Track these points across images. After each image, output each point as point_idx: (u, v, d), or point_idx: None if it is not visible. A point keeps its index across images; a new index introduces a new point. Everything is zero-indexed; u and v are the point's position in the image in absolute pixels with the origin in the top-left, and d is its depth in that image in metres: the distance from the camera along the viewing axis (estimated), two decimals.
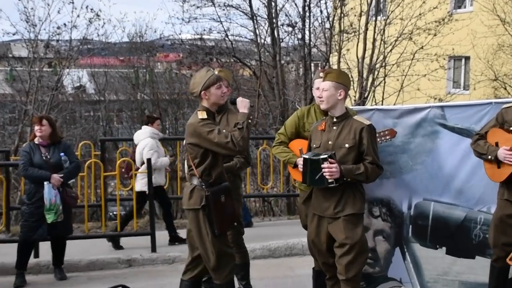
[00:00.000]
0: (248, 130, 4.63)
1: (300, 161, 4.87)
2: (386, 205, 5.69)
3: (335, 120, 4.87)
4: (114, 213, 14.02)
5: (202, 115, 4.68)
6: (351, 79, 14.56)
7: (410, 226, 5.60)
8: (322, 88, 4.80)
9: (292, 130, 5.45)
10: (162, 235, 8.51)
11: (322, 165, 4.61)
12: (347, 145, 4.75)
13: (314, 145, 4.91)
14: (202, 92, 4.71)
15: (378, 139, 5.38)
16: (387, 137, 5.43)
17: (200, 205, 4.69)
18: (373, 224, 5.74)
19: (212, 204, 4.66)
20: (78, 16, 14.74)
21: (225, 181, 4.81)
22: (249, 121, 4.67)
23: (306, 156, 4.74)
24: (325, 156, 4.62)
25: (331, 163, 4.60)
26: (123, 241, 8.37)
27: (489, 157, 4.78)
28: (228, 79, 5.56)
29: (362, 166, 4.68)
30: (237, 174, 5.60)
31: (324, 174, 4.62)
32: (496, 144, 4.79)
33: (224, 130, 4.68)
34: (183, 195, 4.88)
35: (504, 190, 4.84)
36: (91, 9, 15.03)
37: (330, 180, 4.63)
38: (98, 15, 15.10)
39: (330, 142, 4.81)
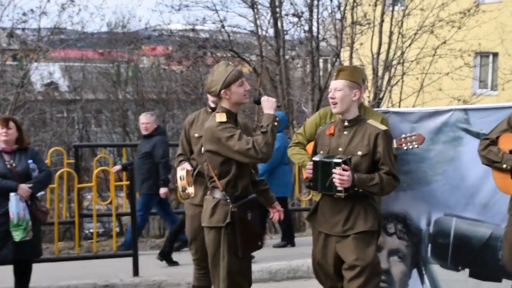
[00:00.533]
0: (274, 135, 4.63)
1: (309, 165, 4.86)
2: (402, 221, 5.74)
3: (346, 124, 4.90)
4: (91, 230, 14.00)
5: (221, 117, 4.69)
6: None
7: (429, 245, 5.65)
8: (335, 87, 4.83)
9: (312, 131, 5.53)
10: (146, 256, 8.49)
11: (333, 170, 4.65)
12: (360, 153, 4.78)
13: (321, 152, 4.93)
14: (222, 91, 4.71)
15: (403, 145, 5.46)
16: (414, 143, 5.46)
17: (224, 223, 4.69)
18: (387, 242, 5.79)
19: (238, 222, 4.66)
20: (49, 1, 14.51)
21: (251, 194, 4.84)
22: (275, 123, 4.64)
23: (317, 159, 4.76)
24: (339, 160, 4.65)
25: (344, 169, 4.63)
26: (101, 263, 8.29)
27: (504, 165, 4.83)
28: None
29: (377, 176, 4.71)
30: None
31: (334, 180, 4.66)
32: (511, 152, 4.83)
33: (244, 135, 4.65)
34: (202, 211, 4.88)
35: None
36: None
37: (339, 188, 4.66)
38: (72, 0, 14.87)
39: (340, 149, 4.84)
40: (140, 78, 22.01)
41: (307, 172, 4.81)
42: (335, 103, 4.84)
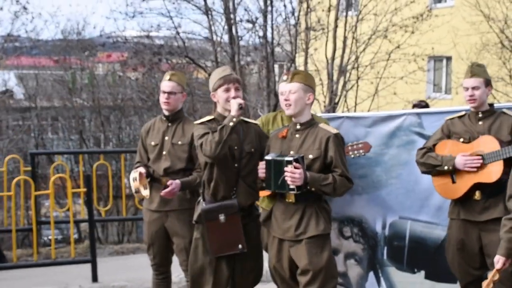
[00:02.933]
0: (223, 134, 4.71)
1: (260, 164, 4.87)
2: (358, 224, 5.78)
3: (298, 127, 4.90)
4: (49, 237, 13.87)
5: (203, 119, 4.93)
6: (320, 82, 14.87)
7: (385, 248, 5.70)
8: (289, 90, 4.82)
9: None
10: (105, 262, 8.44)
11: (285, 168, 4.65)
12: (311, 156, 4.78)
13: (273, 155, 4.90)
14: (212, 94, 4.96)
15: (350, 153, 5.47)
16: (361, 151, 5.50)
17: (194, 220, 4.98)
18: (344, 246, 5.82)
19: (205, 223, 4.88)
20: (1, 8, 14.32)
21: (231, 198, 4.91)
22: (231, 124, 4.73)
23: (269, 158, 4.75)
24: (291, 158, 4.66)
25: (295, 167, 4.63)
26: (60, 269, 8.24)
27: (446, 167, 4.93)
28: (182, 83, 5.62)
29: (330, 176, 4.72)
30: (196, 191, 5.59)
31: (286, 178, 4.66)
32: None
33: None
34: None
35: (459, 208, 5.00)
36: (17, 1, 14.63)
37: (291, 186, 4.66)
38: (25, 8, 14.69)
39: (291, 152, 4.83)
40: (95, 85, 21.83)
41: (260, 172, 4.81)
42: (289, 105, 4.84)
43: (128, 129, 21.54)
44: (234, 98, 4.87)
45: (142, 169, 5.50)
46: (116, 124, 21.32)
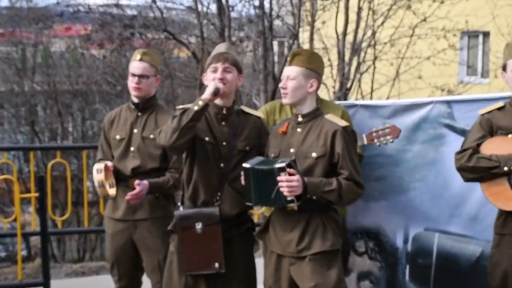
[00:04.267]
0: (182, 120, 4.71)
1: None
2: (374, 237, 5.81)
3: (300, 119, 4.89)
4: None
5: (189, 105, 4.88)
6: (328, 62, 14.86)
7: (407, 267, 5.71)
8: (287, 75, 4.83)
9: None
10: (62, 285, 8.40)
11: (278, 177, 4.62)
12: (314, 154, 4.76)
13: (272, 154, 4.91)
14: (203, 74, 5.03)
15: (375, 140, 5.50)
16: (388, 138, 5.52)
17: (169, 228, 5.02)
18: (357, 264, 5.85)
19: (179, 232, 4.92)
20: None
21: (213, 204, 4.93)
22: (195, 108, 4.72)
23: (247, 165, 4.70)
24: (282, 164, 4.60)
25: (290, 173, 4.60)
26: None
27: (506, 168, 4.84)
28: (155, 64, 5.62)
29: (334, 181, 4.68)
30: (169, 195, 5.63)
31: (281, 189, 4.62)
32: None
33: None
34: None
35: None
36: None
37: (289, 198, 4.62)
38: None
39: (292, 150, 4.82)
40: (51, 65, 21.77)
41: (241, 180, 4.79)
42: (286, 94, 4.84)
43: (93, 120, 21.49)
44: (218, 80, 4.88)
45: (109, 162, 5.51)
46: (78, 114, 21.27)
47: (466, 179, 4.98)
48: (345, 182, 4.69)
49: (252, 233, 5.10)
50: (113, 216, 5.63)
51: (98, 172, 5.40)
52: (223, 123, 4.94)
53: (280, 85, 4.87)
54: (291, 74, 4.83)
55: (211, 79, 4.92)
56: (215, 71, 4.93)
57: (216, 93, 4.80)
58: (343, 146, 4.73)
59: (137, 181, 5.36)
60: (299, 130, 4.88)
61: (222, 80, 4.89)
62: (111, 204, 5.63)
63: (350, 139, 4.80)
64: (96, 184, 5.45)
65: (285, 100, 4.89)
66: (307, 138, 4.83)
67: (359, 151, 5.49)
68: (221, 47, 5.04)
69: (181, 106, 4.96)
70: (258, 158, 4.81)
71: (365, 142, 5.54)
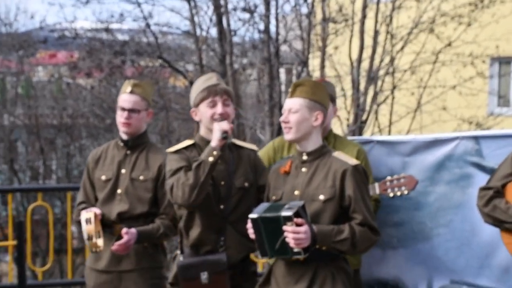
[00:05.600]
0: (199, 175, 4.80)
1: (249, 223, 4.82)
2: None
3: (305, 157, 4.87)
4: None
5: (181, 144, 5.03)
6: (342, 92, 14.87)
7: None
8: (289, 108, 4.84)
9: None
10: None
11: (284, 227, 4.59)
12: (321, 197, 4.74)
13: (274, 197, 4.91)
14: (192, 110, 5.13)
15: (389, 190, 5.48)
16: (403, 189, 5.50)
17: (170, 281, 5.07)
18: None
19: (181, 284, 4.97)
20: None
21: (217, 250, 4.97)
22: (210, 159, 4.82)
23: (254, 216, 4.67)
24: (289, 213, 4.56)
25: (298, 224, 4.56)
26: None
27: None
28: (147, 97, 5.64)
29: (347, 228, 4.66)
30: (158, 244, 5.61)
31: (287, 240, 4.59)
32: None
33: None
34: None
35: None
36: None
37: (296, 250, 4.59)
38: None
39: (296, 192, 4.81)
40: (34, 96, 21.86)
41: (250, 233, 4.76)
42: (289, 128, 4.83)
43: (79, 157, 21.53)
44: (219, 117, 4.95)
45: (97, 210, 5.48)
46: (62, 150, 21.30)
47: (485, 221, 5.01)
48: (359, 229, 4.67)
49: (255, 278, 5.13)
50: (96, 266, 5.60)
51: (88, 223, 5.36)
52: (218, 161, 4.93)
53: (281, 119, 4.86)
54: (293, 106, 4.83)
55: (211, 115, 4.99)
56: (213, 105, 5.00)
57: (225, 137, 4.87)
58: (355, 187, 4.71)
59: (124, 229, 5.34)
60: (304, 169, 4.86)
61: (223, 115, 4.98)
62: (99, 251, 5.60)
63: (362, 179, 4.79)
64: (85, 236, 5.42)
65: (288, 136, 4.87)
66: (313, 179, 4.81)
67: (376, 196, 5.46)
68: (211, 79, 5.12)
69: (173, 149, 5.09)
70: (263, 205, 4.78)
71: (378, 191, 5.51)
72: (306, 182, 4.82)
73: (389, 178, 5.50)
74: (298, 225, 4.56)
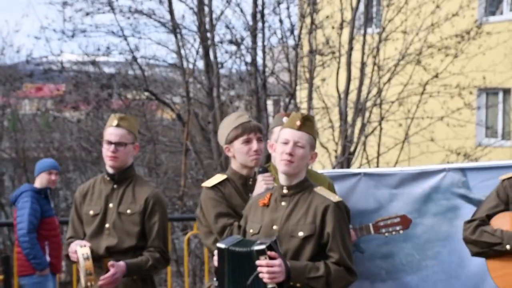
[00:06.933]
0: None
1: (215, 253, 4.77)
2: None
3: (285, 191, 4.80)
4: None
5: (214, 180, 5.10)
6: (329, 124, 14.89)
7: None
8: (296, 141, 4.73)
9: None
10: None
11: (258, 261, 4.52)
12: (301, 234, 4.66)
13: (251, 230, 4.83)
14: (225, 147, 5.23)
15: (383, 230, 5.49)
16: (397, 228, 5.51)
17: None
18: None
19: None
20: None
21: None
22: None
23: (222, 246, 4.61)
24: (262, 247, 4.50)
25: (271, 257, 4.50)
26: None
27: (508, 247, 4.84)
28: (133, 130, 5.63)
29: (322, 266, 4.59)
30: (148, 276, 5.58)
31: (261, 275, 4.50)
32: None
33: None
34: None
35: None
36: None
37: (270, 286, 4.51)
38: None
39: (275, 227, 4.72)
40: (20, 129, 21.81)
41: (214, 260, 4.71)
42: (291, 162, 4.71)
43: (66, 190, 21.44)
44: (254, 153, 5.14)
45: (86, 243, 5.45)
46: None
47: (472, 253, 5.04)
48: (334, 268, 4.59)
49: None
50: None
51: (85, 259, 5.33)
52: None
53: (286, 150, 4.70)
54: (300, 141, 4.73)
55: (247, 151, 5.14)
56: (248, 141, 5.14)
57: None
58: (335, 225, 4.63)
59: (111, 262, 5.33)
60: (283, 203, 4.77)
61: (258, 151, 5.16)
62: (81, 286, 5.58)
63: (343, 216, 4.71)
64: (83, 273, 5.36)
65: (287, 169, 4.73)
66: (293, 214, 4.72)
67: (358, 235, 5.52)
68: (242, 116, 5.24)
69: (208, 184, 5.19)
70: (235, 237, 4.73)
71: (372, 232, 5.51)
72: (286, 217, 4.73)
73: (380, 218, 5.51)
74: (272, 258, 4.49)
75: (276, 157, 4.80)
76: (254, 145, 5.12)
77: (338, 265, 4.60)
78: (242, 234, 4.91)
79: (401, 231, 5.50)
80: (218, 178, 5.21)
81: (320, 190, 4.78)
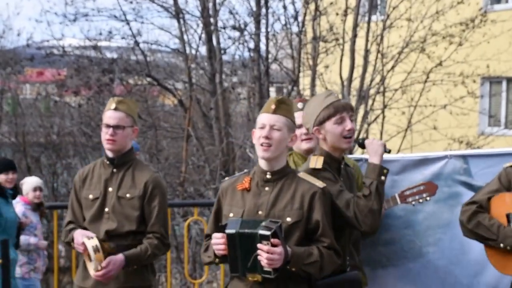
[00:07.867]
0: (380, 197, 4.76)
1: (216, 238, 4.70)
2: None
3: (269, 176, 4.78)
4: None
5: (317, 162, 4.89)
6: None
7: None
8: (271, 124, 4.73)
9: None
10: None
11: (259, 245, 4.51)
12: (288, 219, 4.65)
13: (231, 215, 4.78)
14: (315, 129, 4.97)
15: (410, 199, 5.48)
16: (424, 195, 5.49)
17: None
18: None
19: None
20: None
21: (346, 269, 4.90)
22: (382, 178, 4.81)
23: (232, 231, 4.58)
24: (267, 232, 4.49)
25: (273, 244, 4.49)
26: None
27: (502, 245, 4.86)
28: (132, 114, 5.62)
29: (315, 250, 4.61)
30: (147, 264, 5.57)
31: (260, 258, 4.51)
32: (508, 217, 4.85)
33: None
34: None
35: None
36: None
37: (266, 269, 4.52)
38: None
39: (260, 212, 4.71)
40: (20, 114, 21.80)
41: (217, 249, 4.66)
42: (269, 146, 4.70)
43: (66, 176, 21.45)
44: (348, 133, 4.93)
45: (91, 233, 5.43)
46: (49, 169, 21.20)
47: (464, 235, 5.05)
48: (326, 252, 4.63)
49: None
50: (84, 285, 5.56)
51: (96, 251, 5.30)
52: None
53: (263, 134, 4.70)
54: (276, 124, 4.72)
55: (341, 132, 4.93)
56: (342, 122, 4.94)
57: (389, 151, 5.04)
58: (323, 212, 4.65)
59: (106, 261, 5.30)
60: (267, 189, 4.75)
61: (351, 130, 4.98)
62: (82, 271, 5.57)
63: (329, 202, 4.74)
64: (94, 265, 5.32)
65: (266, 154, 4.71)
66: (278, 200, 4.71)
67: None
68: (330, 96, 5.02)
69: (312, 168, 4.93)
70: (234, 220, 4.67)
71: (399, 202, 5.50)
72: (271, 202, 4.71)
73: (407, 187, 5.50)
74: (273, 245, 4.48)
75: (255, 143, 4.78)
76: (348, 123, 4.93)
77: (329, 249, 4.63)
78: (218, 217, 4.88)
79: (428, 198, 5.47)
80: (318, 162, 4.94)
81: (304, 175, 4.78)
